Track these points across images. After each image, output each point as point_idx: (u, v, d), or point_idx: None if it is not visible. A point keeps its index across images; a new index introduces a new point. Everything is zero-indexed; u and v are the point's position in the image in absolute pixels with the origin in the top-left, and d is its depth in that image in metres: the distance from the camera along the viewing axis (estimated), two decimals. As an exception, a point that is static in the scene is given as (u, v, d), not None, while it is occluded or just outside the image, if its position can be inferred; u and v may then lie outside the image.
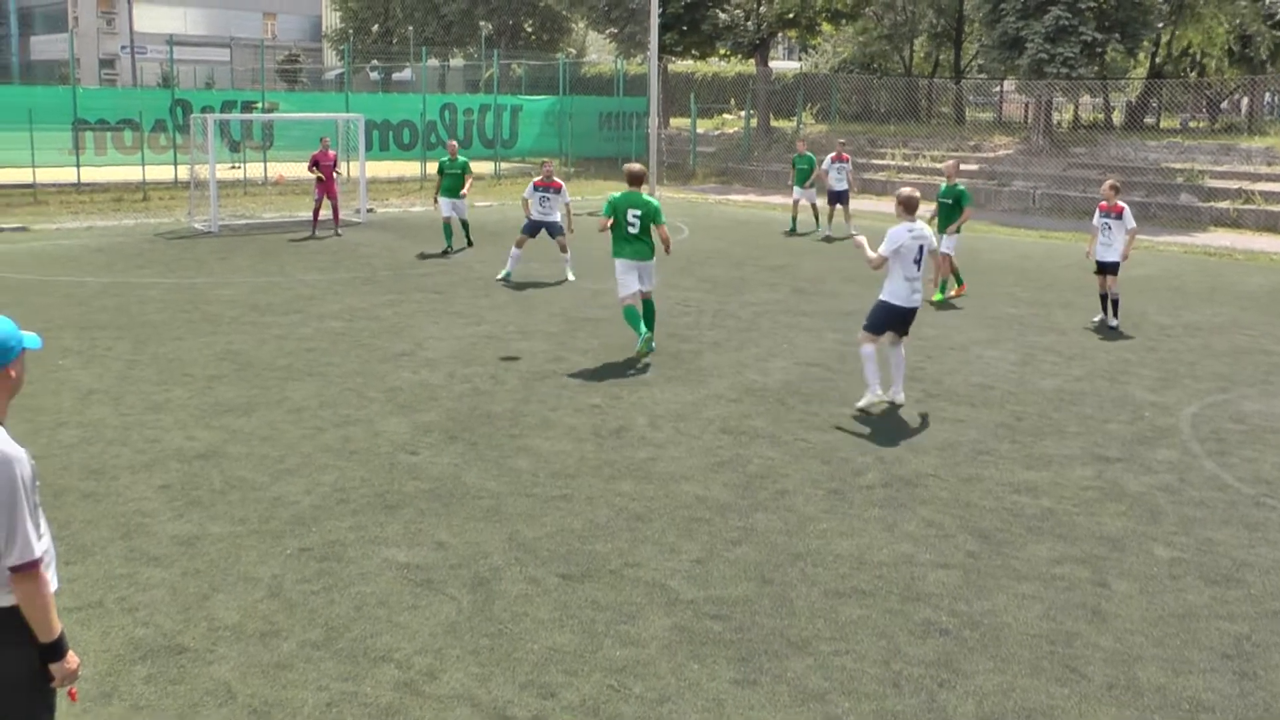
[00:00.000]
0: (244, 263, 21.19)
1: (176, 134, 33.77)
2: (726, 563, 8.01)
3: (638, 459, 10.22)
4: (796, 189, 27.48)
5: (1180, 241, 27.02)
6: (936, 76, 50.86)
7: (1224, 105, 48.12)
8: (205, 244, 23.77)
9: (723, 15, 45.45)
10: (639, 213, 13.71)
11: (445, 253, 22.61)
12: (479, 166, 37.53)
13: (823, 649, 6.79)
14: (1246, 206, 30.26)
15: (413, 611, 7.18)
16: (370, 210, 29.36)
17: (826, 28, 48.40)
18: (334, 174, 24.83)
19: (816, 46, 56.37)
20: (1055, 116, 40.38)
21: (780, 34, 51.05)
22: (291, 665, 6.51)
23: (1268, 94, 47.52)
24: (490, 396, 12.18)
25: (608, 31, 49.94)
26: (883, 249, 11.62)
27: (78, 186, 31.59)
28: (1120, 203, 16.37)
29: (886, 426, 11.37)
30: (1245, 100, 46.63)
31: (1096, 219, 16.61)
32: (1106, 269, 16.34)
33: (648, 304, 14.27)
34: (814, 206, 27.47)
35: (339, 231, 25.26)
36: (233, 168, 34.35)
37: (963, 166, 36.18)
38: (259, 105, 36.90)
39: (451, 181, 22.57)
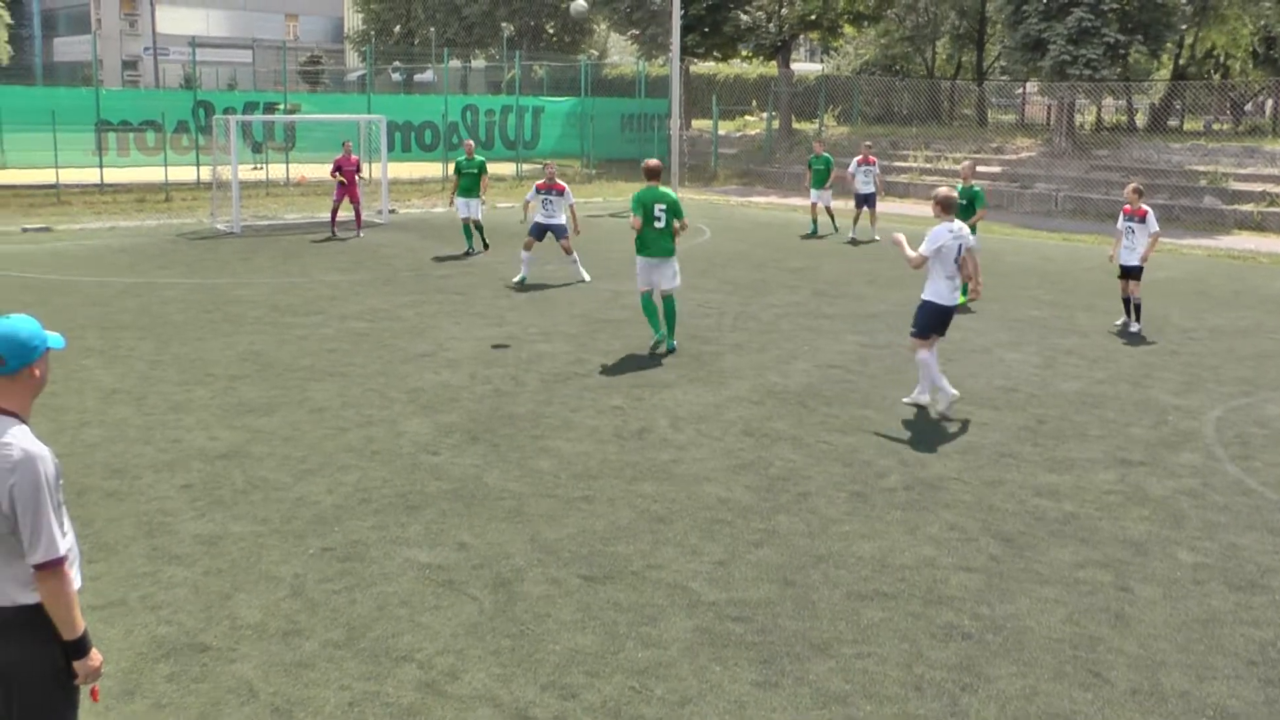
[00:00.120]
0: (266, 263, 21.26)
1: (199, 135, 33.91)
2: (748, 565, 8.00)
3: (659, 460, 10.22)
4: (813, 191, 27.34)
5: (1204, 244, 26.88)
6: (959, 78, 50.78)
7: (1248, 107, 47.89)
8: (227, 245, 23.86)
9: (745, 17, 45.42)
10: (664, 206, 14.11)
11: (466, 254, 22.64)
12: (502, 168, 37.74)
13: (845, 651, 6.78)
14: (1271, 209, 30.10)
15: (434, 612, 7.19)
16: (392, 211, 29.44)
17: (848, 30, 48.36)
18: (356, 178, 24.90)
19: (838, 48, 56.35)
20: (1078, 118, 40.23)
21: (802, 36, 50.97)
22: (313, 664, 6.52)
23: (1292, 96, 47.29)
24: (512, 397, 12.19)
25: (629, 33, 49.94)
26: (923, 248, 11.56)
27: (101, 187, 31.73)
28: (1144, 206, 16.26)
29: (908, 429, 11.34)
30: (1270, 102, 46.44)
31: (1120, 222, 16.51)
32: (1129, 273, 16.25)
33: (669, 305, 14.43)
34: (829, 209, 27.32)
35: (360, 233, 25.30)
36: (255, 169, 34.50)
37: (985, 169, 36.17)
38: (281, 106, 37.04)
39: (469, 181, 22.60)
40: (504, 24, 58.93)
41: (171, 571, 7.74)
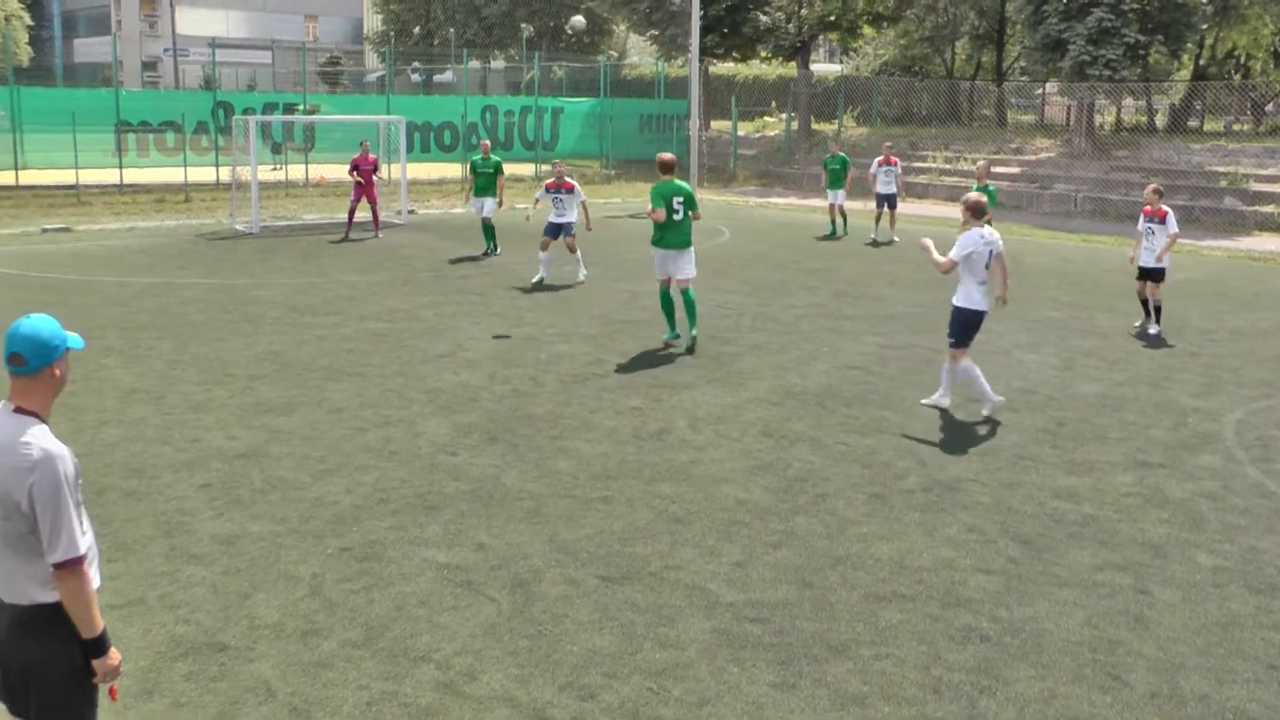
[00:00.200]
0: (285, 264, 21.32)
1: (218, 136, 34.05)
2: (766, 566, 7.99)
3: (678, 461, 10.21)
4: (830, 192, 27.20)
5: (1224, 246, 26.76)
6: (978, 79, 50.66)
7: (1269, 108, 47.64)
8: (246, 245, 23.93)
9: (764, 18, 45.41)
10: (681, 199, 14.46)
11: (485, 254, 22.66)
12: (521, 168, 37.75)
13: (863, 653, 6.76)
14: (1292, 211, 29.95)
15: (453, 612, 7.20)
16: (411, 212, 29.50)
17: (868, 30, 48.31)
18: (374, 177, 24.95)
19: (858, 49, 56.29)
20: (1097, 119, 40.09)
21: (821, 37, 50.94)
22: (332, 664, 6.54)
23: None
24: (531, 398, 12.20)
25: (649, 34, 49.98)
26: (954, 254, 11.47)
27: (120, 188, 31.86)
28: (1164, 207, 16.18)
29: (927, 431, 11.31)
30: (1291, 103, 46.20)
31: (1140, 224, 16.45)
32: (1149, 274, 16.17)
33: (688, 298, 14.61)
34: (841, 209, 27.15)
35: (379, 234, 25.35)
36: (274, 169, 34.58)
37: (1004, 169, 36.11)
38: (301, 107, 37.16)
39: (484, 181, 22.61)
40: (523, 25, 59.03)
41: (190, 571, 7.76)
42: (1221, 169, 33.06)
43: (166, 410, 11.56)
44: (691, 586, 7.62)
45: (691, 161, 34.90)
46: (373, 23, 77.88)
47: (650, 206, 14.43)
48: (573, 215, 19.49)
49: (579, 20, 29.96)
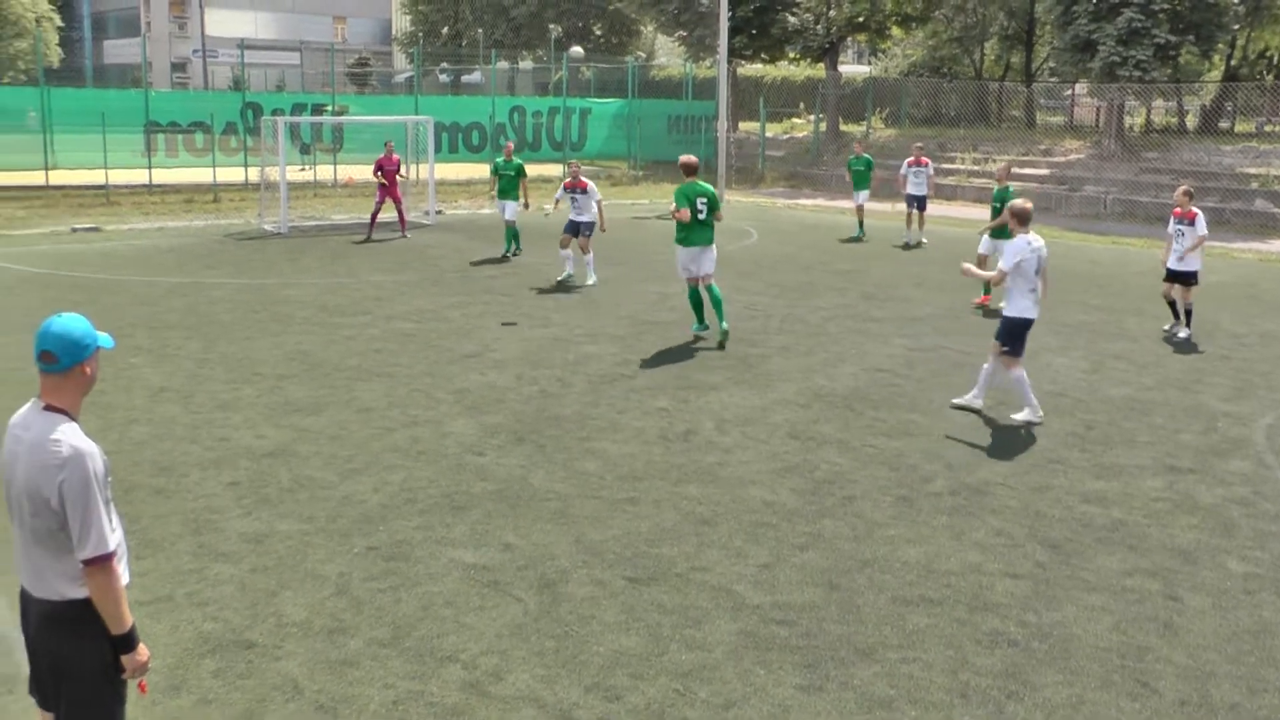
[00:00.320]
0: (313, 264, 21.40)
1: (247, 136, 34.17)
2: (793, 568, 7.97)
3: (705, 463, 10.20)
4: (856, 194, 27.00)
5: (1255, 248, 26.57)
6: (1007, 80, 50.46)
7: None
8: (275, 245, 24.03)
9: (792, 19, 45.32)
10: (705, 200, 14.90)
11: (504, 257, 22.39)
12: (549, 169, 37.76)
13: (890, 657, 6.74)
14: (1324, 213, 29.72)
15: (479, 612, 7.20)
16: (439, 212, 29.56)
17: (896, 31, 48.20)
18: (398, 178, 25.00)
19: (886, 50, 56.14)
20: (1127, 120, 39.86)
21: (850, 38, 50.82)
22: (358, 663, 6.55)
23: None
24: (558, 399, 12.21)
25: (677, 35, 49.95)
26: (1004, 264, 11.38)
27: (149, 188, 32.03)
28: (1194, 209, 16.04)
29: (955, 433, 11.27)
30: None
31: (1170, 226, 16.31)
32: (1178, 277, 16.02)
33: (714, 293, 15.05)
34: (861, 209, 26.93)
35: (405, 234, 25.41)
36: (302, 170, 34.71)
37: (1033, 170, 35.96)
38: (329, 108, 37.27)
39: (507, 183, 22.45)
40: (551, 25, 59.10)
41: (218, 568, 7.80)
42: (1253, 171, 32.84)
43: (195, 409, 11.61)
44: (718, 588, 7.61)
45: (719, 163, 34.89)
46: (401, 23, 78.04)
47: (674, 206, 14.83)
48: (591, 215, 19.51)
49: (577, 50, 30.20)
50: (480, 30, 60.23)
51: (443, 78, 67.84)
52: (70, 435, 4.34)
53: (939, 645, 6.89)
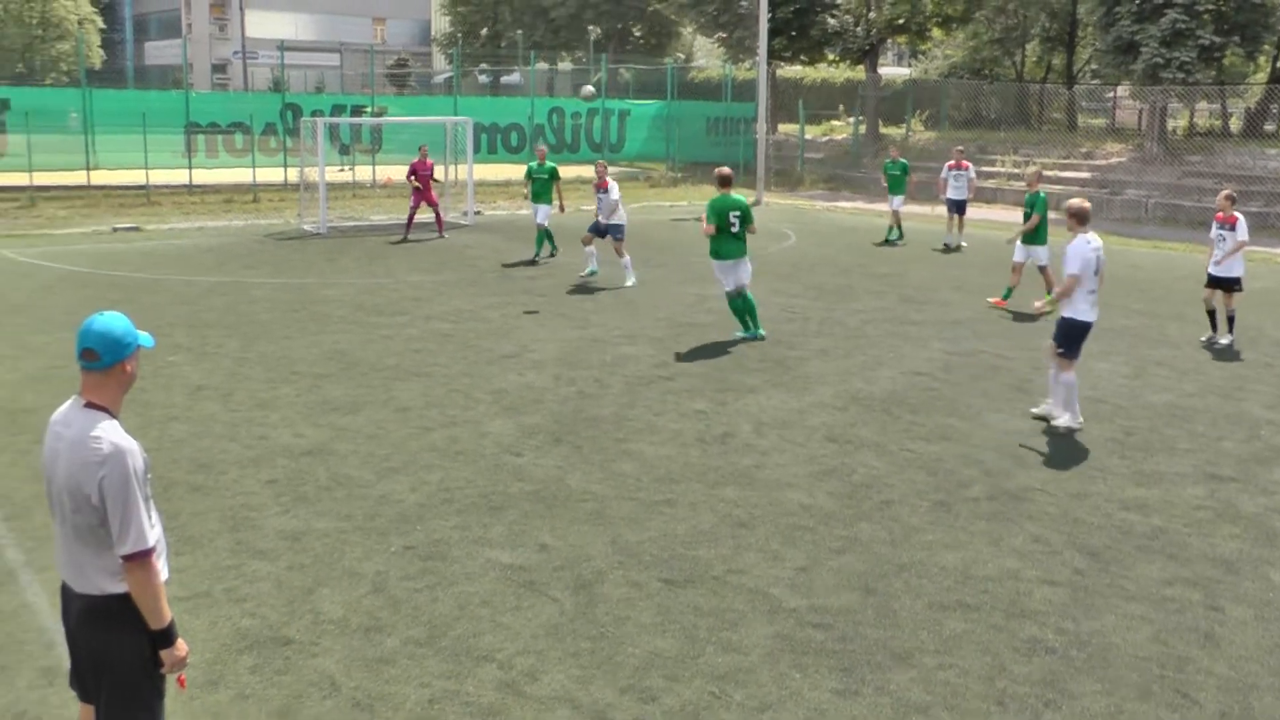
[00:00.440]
0: (351, 264, 21.49)
1: (286, 137, 34.38)
2: (830, 572, 7.94)
3: (742, 465, 10.18)
4: (891, 198, 26.65)
5: (1300, 254, 26.28)
6: (1048, 82, 50.12)
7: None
8: (313, 245, 24.16)
9: (832, 21, 45.21)
10: (738, 213, 14.97)
11: (534, 260, 22.21)
12: (588, 171, 37.77)
13: (926, 662, 6.70)
14: (1370, 219, 29.35)
15: (515, 612, 7.21)
16: (478, 213, 29.64)
17: (937, 33, 47.94)
18: (431, 181, 25.04)
19: (926, 52, 55.87)
20: (1170, 123, 39.49)
21: (890, 40, 50.62)
22: (394, 661, 6.57)
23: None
24: (595, 400, 12.21)
25: (716, 36, 49.90)
26: (1073, 268, 11.21)
27: (189, 188, 32.26)
28: (1236, 213, 15.84)
29: (993, 439, 11.19)
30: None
31: (1213, 230, 16.12)
32: (1220, 283, 15.81)
33: (749, 301, 15.33)
34: (897, 214, 26.70)
35: (443, 234, 25.46)
36: (342, 170, 34.87)
37: (1074, 174, 35.72)
38: (368, 109, 37.43)
39: (540, 187, 22.21)
40: (590, 27, 59.15)
41: (255, 565, 7.84)
42: (1298, 175, 32.46)
43: (233, 407, 11.68)
44: (754, 591, 7.59)
45: (759, 165, 34.85)
46: (440, 24, 78.23)
47: (705, 221, 14.96)
48: (617, 217, 19.53)
49: (589, 89, 30.41)
50: (519, 31, 60.33)
51: (482, 79, 68.02)
52: (111, 432, 4.38)
53: (976, 652, 6.85)
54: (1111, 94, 48.23)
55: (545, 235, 22.43)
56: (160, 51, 79.54)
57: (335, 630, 6.93)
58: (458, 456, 10.25)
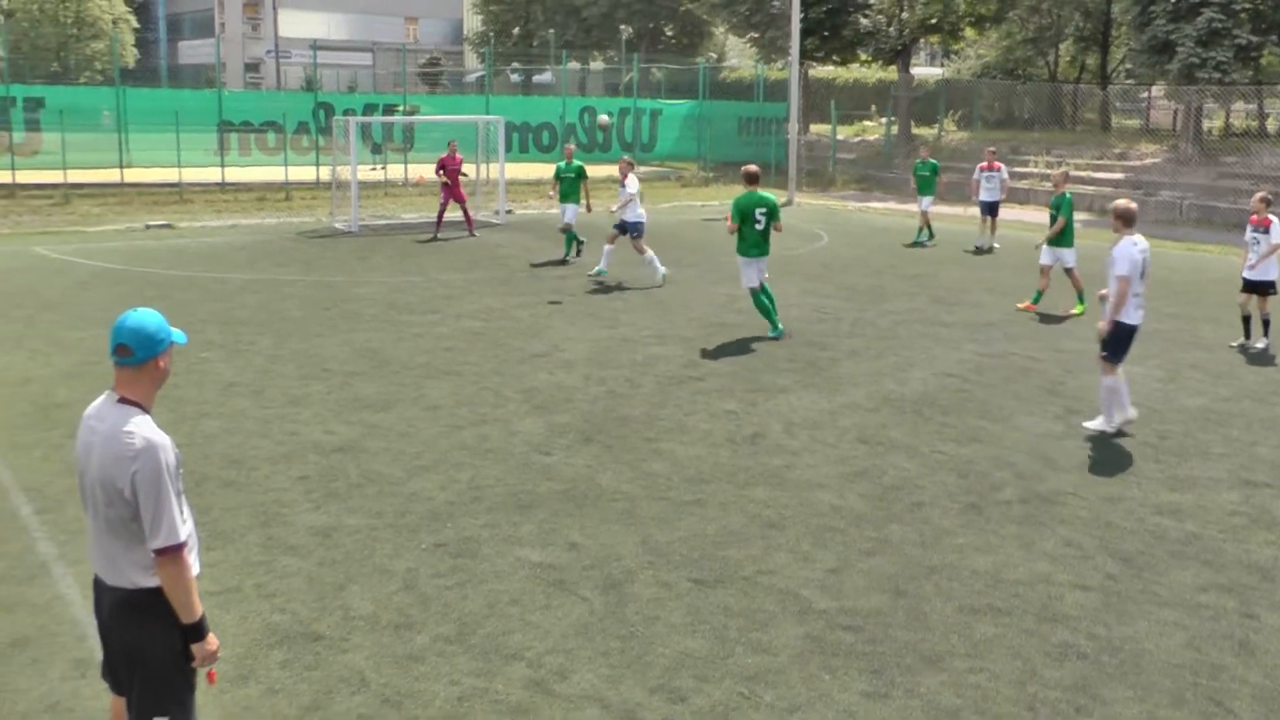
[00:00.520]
0: (383, 262, 21.55)
1: (319, 136, 34.55)
2: (860, 573, 7.91)
3: (772, 466, 10.16)
4: (920, 199, 26.39)
5: (1336, 257, 25.98)
6: (1082, 82, 49.84)
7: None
8: (345, 243, 24.24)
9: (864, 21, 45.11)
10: (765, 210, 15.06)
11: (565, 260, 22.11)
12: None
13: (956, 665, 6.66)
14: None
15: (545, 611, 7.21)
16: (509, 212, 29.68)
17: (969, 33, 47.75)
18: (460, 177, 25.04)
19: (959, 52, 55.65)
20: (1206, 124, 39.17)
21: (922, 40, 50.45)
22: (424, 658, 6.58)
23: None
24: (626, 399, 12.20)
25: (748, 36, 49.83)
26: (1122, 269, 11.03)
27: (222, 186, 32.44)
28: (1270, 216, 15.65)
29: (1025, 442, 11.13)
30: None
31: (1247, 233, 15.94)
32: (1255, 287, 15.64)
33: (768, 292, 15.49)
34: (926, 215, 26.49)
35: (473, 233, 25.49)
36: (374, 169, 34.97)
37: (1108, 175, 35.51)
38: (400, 108, 37.55)
39: (568, 186, 22.10)
40: (622, 26, 59.16)
41: (286, 561, 7.87)
42: (1336, 177, 32.14)
43: (265, 404, 11.73)
44: (784, 592, 7.57)
45: (790, 165, 34.77)
46: (472, 24, 78.38)
47: (729, 219, 15.18)
48: (632, 214, 19.52)
49: (604, 118, 30.63)
50: (551, 31, 60.37)
51: (514, 78, 68.10)
52: (143, 427, 4.40)
53: (1006, 656, 6.81)
54: (1146, 94, 47.90)
55: (573, 235, 22.27)
56: (194, 51, 79.94)
57: (365, 626, 6.95)
58: (488, 455, 10.27)
